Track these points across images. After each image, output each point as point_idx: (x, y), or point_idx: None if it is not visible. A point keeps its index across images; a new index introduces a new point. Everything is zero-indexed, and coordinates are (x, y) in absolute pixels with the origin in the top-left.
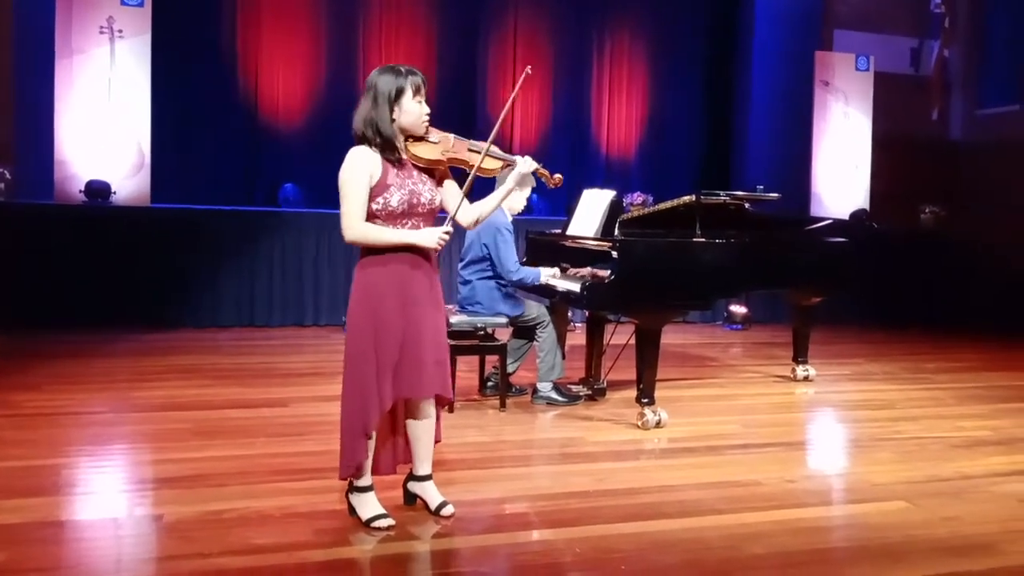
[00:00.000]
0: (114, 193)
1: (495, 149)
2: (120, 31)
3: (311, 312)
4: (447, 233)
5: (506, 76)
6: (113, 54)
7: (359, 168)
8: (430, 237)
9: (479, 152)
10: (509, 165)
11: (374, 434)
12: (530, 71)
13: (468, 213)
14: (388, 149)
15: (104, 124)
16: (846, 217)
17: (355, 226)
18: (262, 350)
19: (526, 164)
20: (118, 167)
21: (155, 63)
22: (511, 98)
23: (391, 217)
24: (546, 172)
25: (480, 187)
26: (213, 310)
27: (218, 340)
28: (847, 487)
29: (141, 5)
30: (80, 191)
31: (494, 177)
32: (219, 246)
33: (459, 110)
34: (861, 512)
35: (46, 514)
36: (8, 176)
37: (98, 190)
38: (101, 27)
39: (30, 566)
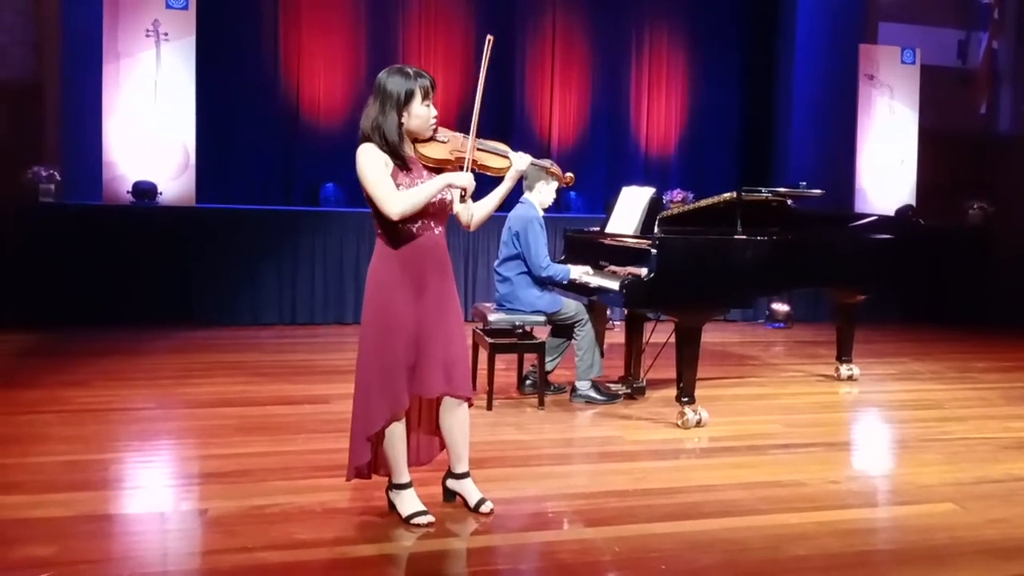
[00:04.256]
0: (160, 193)
1: (499, 146)
2: (165, 34)
3: (352, 310)
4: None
5: (544, 74)
6: (159, 57)
7: (373, 159)
8: (462, 178)
9: (486, 151)
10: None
11: (402, 431)
12: (491, 38)
13: (468, 212)
14: (394, 154)
15: (150, 126)
16: (891, 213)
17: (395, 200)
18: (304, 347)
19: (521, 161)
20: (164, 168)
21: (199, 65)
22: (483, 75)
23: (403, 217)
24: (557, 171)
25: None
26: (255, 308)
27: (260, 337)
28: (892, 488)
29: (186, 8)
30: (127, 192)
31: (501, 176)
32: (262, 245)
33: (497, 109)
34: (906, 514)
35: (94, 508)
36: (57, 177)
37: (145, 191)
38: (147, 30)
39: (78, 559)
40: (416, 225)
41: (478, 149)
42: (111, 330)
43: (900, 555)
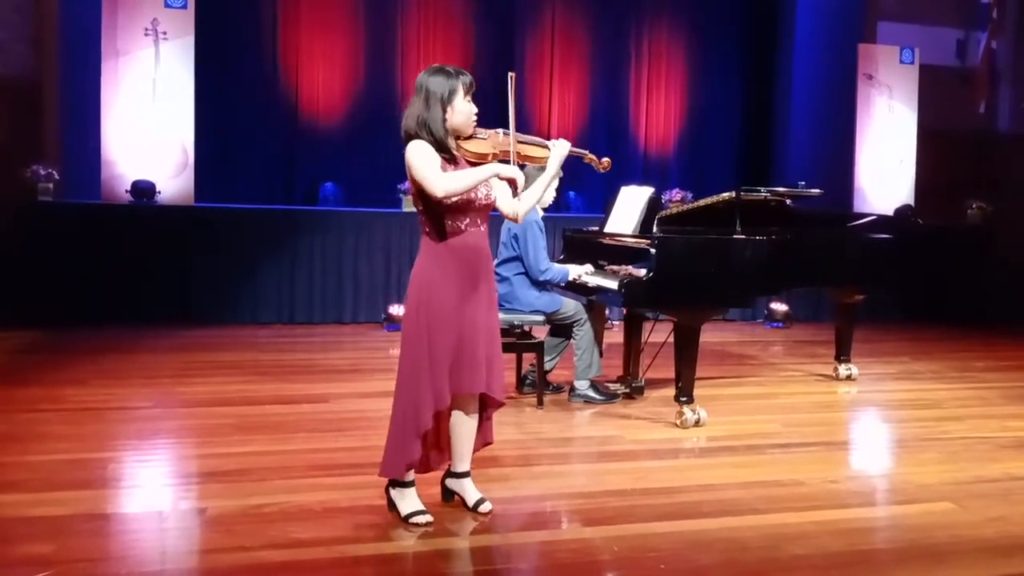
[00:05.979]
0: (159, 192)
1: (537, 139)
2: (164, 33)
3: (350, 309)
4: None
5: (543, 73)
6: (157, 55)
7: (424, 150)
8: (510, 169)
9: (527, 143)
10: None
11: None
12: (513, 75)
13: (514, 205)
14: (441, 148)
15: (149, 125)
16: (890, 213)
17: (440, 179)
18: (302, 347)
19: (561, 147)
20: (163, 167)
21: (198, 64)
22: (512, 109)
23: (449, 213)
24: (593, 157)
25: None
26: (254, 307)
27: (259, 337)
28: (891, 488)
29: (184, 7)
30: (126, 191)
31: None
32: (260, 244)
33: (497, 107)
34: (905, 513)
35: (92, 506)
36: (56, 176)
37: (143, 190)
38: (146, 29)
39: (77, 557)
40: (464, 222)
41: (519, 141)
42: (110, 329)
43: (899, 554)
